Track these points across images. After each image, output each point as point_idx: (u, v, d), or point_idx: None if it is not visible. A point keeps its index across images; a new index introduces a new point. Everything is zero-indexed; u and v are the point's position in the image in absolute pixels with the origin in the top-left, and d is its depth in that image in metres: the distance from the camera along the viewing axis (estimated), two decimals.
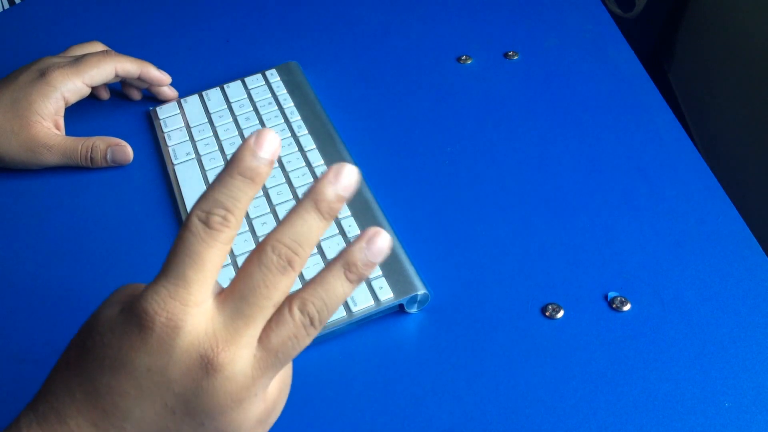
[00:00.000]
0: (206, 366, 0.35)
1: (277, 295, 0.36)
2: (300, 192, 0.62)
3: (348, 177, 0.36)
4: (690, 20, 1.45)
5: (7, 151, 0.65)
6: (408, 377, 0.51)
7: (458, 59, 0.76)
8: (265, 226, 0.59)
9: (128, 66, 0.70)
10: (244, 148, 0.36)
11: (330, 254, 0.56)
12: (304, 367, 0.50)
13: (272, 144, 0.36)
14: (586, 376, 0.49)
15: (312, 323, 0.37)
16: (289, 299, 0.37)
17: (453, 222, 0.61)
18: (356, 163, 0.64)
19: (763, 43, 1.16)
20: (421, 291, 0.53)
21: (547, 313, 0.53)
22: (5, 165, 0.67)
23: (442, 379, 0.50)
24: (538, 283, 0.55)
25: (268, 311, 0.36)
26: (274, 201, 0.61)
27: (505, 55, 0.76)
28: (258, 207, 0.61)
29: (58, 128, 0.67)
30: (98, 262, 0.60)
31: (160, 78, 0.72)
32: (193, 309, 0.35)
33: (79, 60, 0.68)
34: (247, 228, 0.60)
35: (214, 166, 0.66)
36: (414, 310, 0.54)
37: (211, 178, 0.65)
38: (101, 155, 0.67)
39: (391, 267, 0.55)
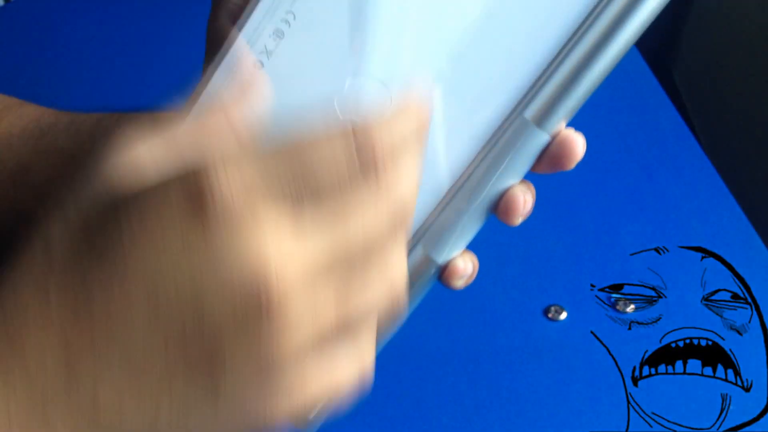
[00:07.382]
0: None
1: None
2: None
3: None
4: (695, 17, 1.45)
5: None
6: (408, 378, 0.50)
7: None
8: None
9: None
10: None
11: None
12: None
13: None
14: (590, 379, 0.49)
15: None
16: None
17: None
18: None
19: None
20: None
21: (549, 315, 0.53)
22: None
23: (442, 381, 0.50)
24: (541, 284, 0.55)
25: None
26: None
27: None
28: None
29: None
30: None
31: None
32: None
33: None
34: None
35: None
36: None
37: None
38: None
39: None
